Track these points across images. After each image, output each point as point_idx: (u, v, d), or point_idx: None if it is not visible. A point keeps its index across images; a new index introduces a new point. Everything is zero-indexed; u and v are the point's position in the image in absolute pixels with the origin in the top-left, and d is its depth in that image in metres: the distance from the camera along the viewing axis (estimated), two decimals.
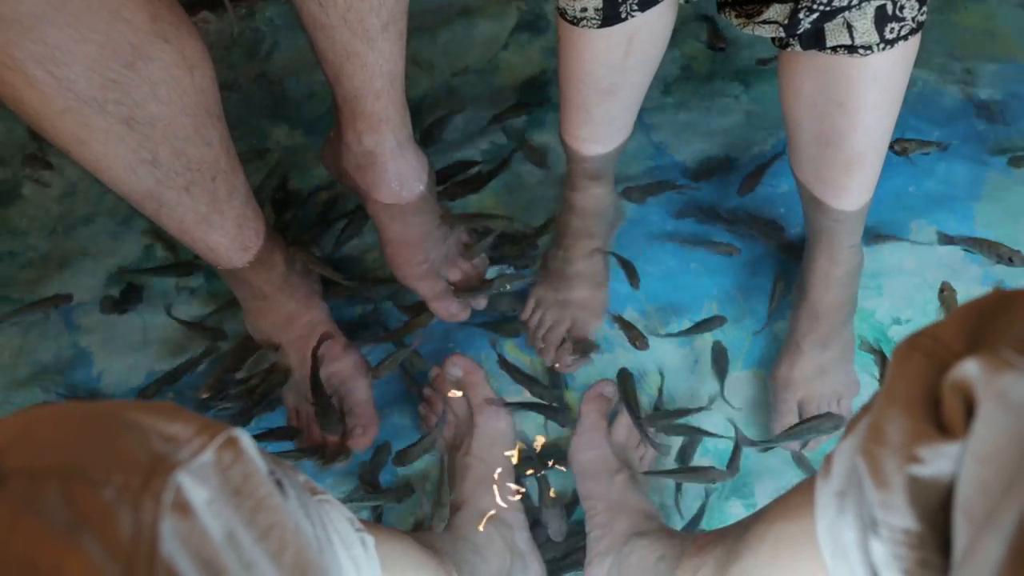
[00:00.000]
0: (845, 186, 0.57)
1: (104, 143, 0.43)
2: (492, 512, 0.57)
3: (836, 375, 0.62)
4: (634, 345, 0.65)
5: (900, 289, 0.68)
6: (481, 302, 0.66)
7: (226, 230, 0.53)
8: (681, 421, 0.62)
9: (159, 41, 0.42)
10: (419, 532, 0.55)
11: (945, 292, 0.62)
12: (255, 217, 0.56)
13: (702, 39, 0.81)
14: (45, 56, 0.38)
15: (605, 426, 0.61)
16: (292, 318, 0.62)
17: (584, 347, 0.65)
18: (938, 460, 0.22)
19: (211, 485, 0.21)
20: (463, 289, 0.64)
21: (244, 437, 0.23)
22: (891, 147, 0.70)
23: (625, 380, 0.63)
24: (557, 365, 0.66)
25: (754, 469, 0.63)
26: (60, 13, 0.37)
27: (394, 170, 0.60)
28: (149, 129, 0.44)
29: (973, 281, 0.68)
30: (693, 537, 0.50)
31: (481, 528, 0.55)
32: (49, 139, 0.43)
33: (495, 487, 0.58)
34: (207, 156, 0.48)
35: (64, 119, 0.41)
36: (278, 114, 0.80)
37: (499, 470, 0.59)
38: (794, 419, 0.62)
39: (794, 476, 0.63)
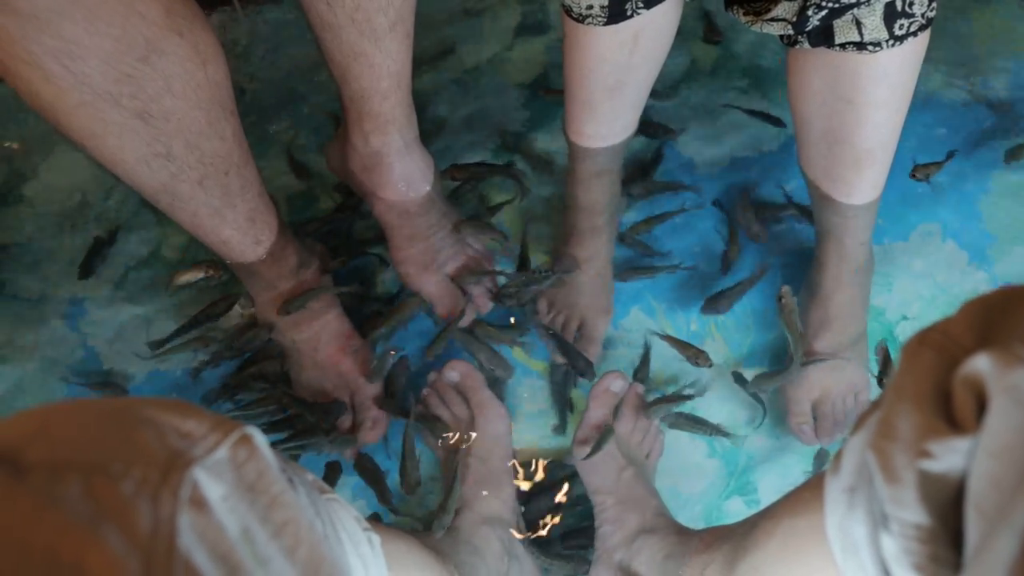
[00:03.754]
0: (854, 183, 0.57)
1: (119, 137, 0.43)
2: (491, 514, 0.56)
3: (850, 372, 0.62)
4: (695, 364, 0.60)
5: (908, 288, 0.68)
6: (486, 304, 0.66)
7: (239, 224, 0.54)
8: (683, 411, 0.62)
9: (173, 35, 0.42)
10: (421, 532, 0.55)
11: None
12: (267, 211, 0.56)
13: (699, 33, 0.81)
14: (61, 50, 0.38)
15: (611, 420, 0.61)
16: (304, 312, 0.62)
17: (583, 367, 0.62)
18: (949, 455, 0.22)
19: (226, 481, 0.21)
20: (462, 276, 0.63)
21: (257, 435, 0.23)
22: (913, 175, 0.70)
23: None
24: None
25: (757, 467, 0.63)
26: (75, 8, 0.38)
27: (400, 170, 0.60)
28: (163, 123, 0.44)
29: (980, 281, 0.68)
30: (701, 534, 0.51)
31: (480, 530, 0.55)
32: (64, 133, 0.43)
33: (495, 489, 0.58)
34: (220, 150, 0.48)
35: (79, 113, 0.41)
36: (283, 114, 0.80)
37: (498, 472, 0.59)
38: (809, 419, 0.62)
39: (799, 473, 0.63)
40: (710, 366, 0.62)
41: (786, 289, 0.59)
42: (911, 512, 0.23)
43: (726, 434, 0.62)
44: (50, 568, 0.17)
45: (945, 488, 0.22)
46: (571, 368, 0.64)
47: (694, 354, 0.61)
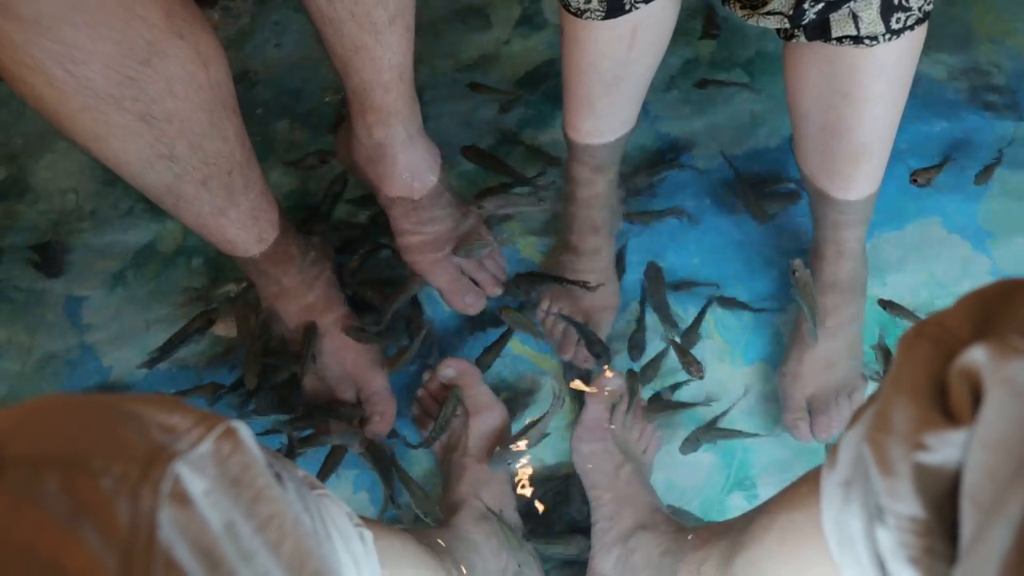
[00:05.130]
0: (852, 178, 0.56)
1: (122, 139, 0.44)
2: (489, 511, 0.56)
3: (846, 368, 0.62)
4: (688, 372, 0.61)
5: (904, 283, 0.68)
6: (494, 289, 0.66)
7: (243, 223, 0.54)
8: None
9: (174, 37, 0.43)
10: (417, 529, 0.56)
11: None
12: (270, 208, 0.57)
13: (698, 27, 0.81)
14: (63, 55, 0.39)
15: (608, 417, 0.61)
16: (308, 306, 0.62)
17: (600, 351, 0.63)
18: (944, 447, 0.22)
19: (209, 475, 0.21)
20: (463, 246, 0.63)
21: (243, 429, 0.23)
22: (913, 180, 0.69)
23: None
24: (575, 361, 0.65)
25: (757, 463, 0.63)
26: (77, 12, 0.38)
27: (405, 162, 0.60)
28: (166, 125, 0.45)
29: (981, 275, 0.68)
30: (697, 530, 0.50)
31: (478, 527, 0.55)
32: (68, 136, 0.44)
33: (492, 487, 0.58)
34: (223, 150, 0.49)
35: (83, 116, 0.42)
36: (282, 109, 0.81)
37: (495, 469, 0.59)
38: (804, 415, 0.62)
39: (799, 470, 0.62)
40: (701, 377, 0.62)
41: (798, 262, 0.59)
42: (906, 505, 0.23)
43: (757, 435, 0.61)
44: (27, 564, 0.17)
45: (940, 481, 0.22)
46: (586, 347, 0.64)
47: (689, 362, 0.61)
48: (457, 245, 0.64)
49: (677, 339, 0.65)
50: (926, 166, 0.71)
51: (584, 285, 0.64)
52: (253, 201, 0.54)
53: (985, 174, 0.70)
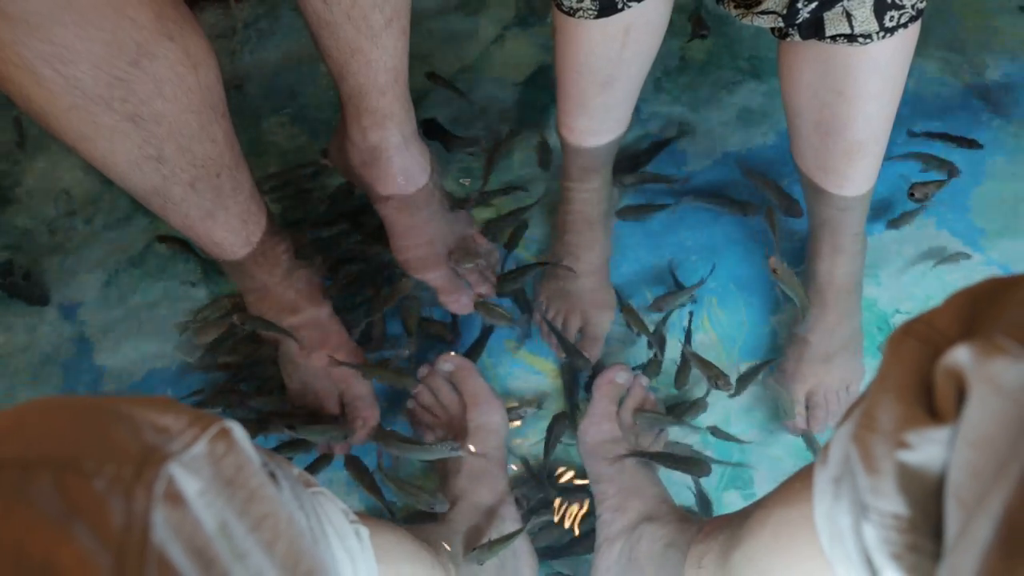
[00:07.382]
0: (847, 174, 0.57)
1: (110, 140, 0.44)
2: (486, 505, 0.56)
3: (843, 363, 0.62)
4: (715, 386, 0.57)
5: (899, 278, 0.68)
6: (488, 290, 0.66)
7: (231, 225, 0.54)
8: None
9: (164, 39, 0.42)
10: (413, 525, 0.55)
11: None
12: (259, 212, 0.57)
13: (686, 26, 0.81)
14: (52, 55, 0.39)
15: (615, 411, 0.61)
16: (294, 311, 0.62)
17: (582, 366, 0.62)
18: (927, 445, 0.22)
19: (203, 476, 0.21)
20: (461, 256, 0.64)
21: (237, 429, 0.23)
22: (911, 195, 0.68)
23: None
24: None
25: (754, 461, 0.63)
26: (67, 12, 0.38)
27: (399, 164, 0.60)
28: (154, 126, 0.44)
29: (973, 269, 0.68)
30: (701, 522, 0.51)
31: (475, 522, 0.55)
32: (56, 135, 0.44)
33: (489, 481, 0.58)
34: (212, 152, 0.49)
35: (71, 116, 0.42)
36: (276, 110, 0.81)
37: (493, 464, 0.59)
38: (801, 411, 0.62)
39: (794, 467, 0.63)
40: (730, 390, 0.59)
41: (774, 259, 0.59)
42: (890, 502, 0.23)
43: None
44: (19, 564, 0.17)
45: (925, 480, 0.22)
46: (570, 364, 0.64)
47: (715, 375, 0.58)
48: (454, 253, 0.64)
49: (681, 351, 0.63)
50: (924, 180, 0.70)
51: (567, 268, 0.64)
52: (242, 204, 0.53)
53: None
